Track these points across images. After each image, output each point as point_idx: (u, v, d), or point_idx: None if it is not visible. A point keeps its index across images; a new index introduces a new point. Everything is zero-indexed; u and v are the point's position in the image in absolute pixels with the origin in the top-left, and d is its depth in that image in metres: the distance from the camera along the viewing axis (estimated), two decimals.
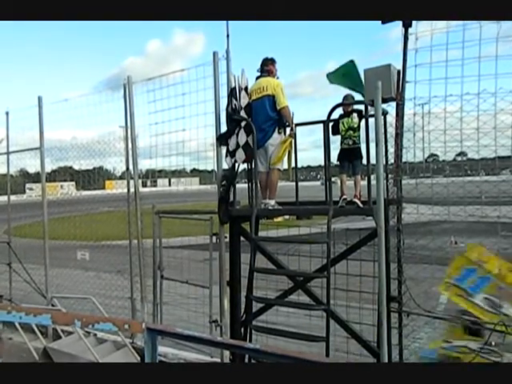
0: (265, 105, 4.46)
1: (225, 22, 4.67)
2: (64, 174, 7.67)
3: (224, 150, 4.69)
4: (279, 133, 4.51)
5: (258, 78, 4.66)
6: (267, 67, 4.63)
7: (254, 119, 4.48)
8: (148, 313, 5.61)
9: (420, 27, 4.09)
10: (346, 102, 4.37)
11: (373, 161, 3.83)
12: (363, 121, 4.18)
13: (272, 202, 4.48)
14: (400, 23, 4.24)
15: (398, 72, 4.26)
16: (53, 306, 6.37)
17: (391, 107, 4.29)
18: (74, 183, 7.65)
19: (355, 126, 4.29)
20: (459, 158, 4.34)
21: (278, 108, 4.44)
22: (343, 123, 4.35)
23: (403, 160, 4.27)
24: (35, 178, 7.92)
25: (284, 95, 4.47)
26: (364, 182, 4.10)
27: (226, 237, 4.80)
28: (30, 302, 6.70)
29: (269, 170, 4.56)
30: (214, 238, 4.84)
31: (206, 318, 4.90)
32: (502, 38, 3.68)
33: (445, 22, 3.93)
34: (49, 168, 7.21)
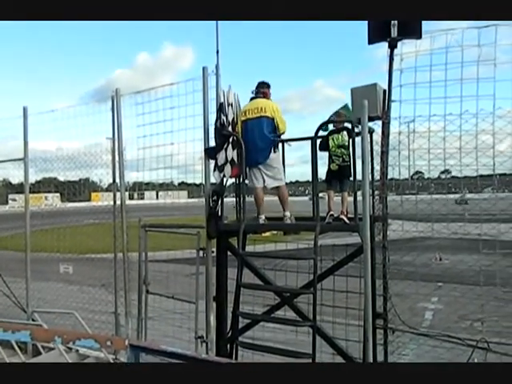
0: (262, 125, 4.51)
1: (214, 37, 4.76)
2: (48, 185, 7.53)
3: (212, 163, 4.71)
4: (274, 152, 4.58)
5: (252, 98, 4.74)
6: (263, 90, 4.74)
7: (249, 137, 4.50)
8: (132, 328, 5.49)
9: (405, 48, 4.24)
10: (336, 120, 4.46)
11: (359, 177, 3.89)
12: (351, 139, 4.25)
13: (288, 214, 4.56)
14: (386, 44, 4.38)
15: (384, 91, 4.37)
16: (33, 320, 6.18)
17: (377, 126, 4.39)
18: (58, 194, 7.51)
19: (346, 143, 4.34)
20: (444, 176, 4.44)
21: (279, 133, 4.62)
22: (333, 139, 4.41)
23: (389, 177, 4.35)
24: (18, 188, 7.76)
25: (283, 119, 4.64)
26: (350, 199, 4.15)
27: (213, 251, 4.78)
28: (10, 316, 6.48)
29: (263, 186, 4.63)
30: (201, 253, 4.80)
31: (192, 333, 4.81)
32: (482, 62, 3.83)
33: (428, 44, 4.09)
34: (33, 179, 7.08)
